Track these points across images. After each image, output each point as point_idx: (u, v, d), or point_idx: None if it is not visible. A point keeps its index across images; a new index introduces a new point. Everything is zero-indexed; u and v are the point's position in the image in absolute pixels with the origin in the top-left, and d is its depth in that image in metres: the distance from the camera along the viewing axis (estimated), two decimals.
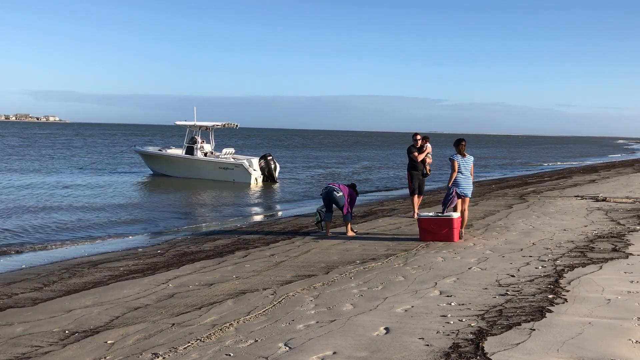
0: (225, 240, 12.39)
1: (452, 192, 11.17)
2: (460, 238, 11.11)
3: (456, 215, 11.05)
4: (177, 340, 5.78)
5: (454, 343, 5.36)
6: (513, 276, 8.04)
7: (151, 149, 32.62)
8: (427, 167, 14.36)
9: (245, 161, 27.78)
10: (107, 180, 28.21)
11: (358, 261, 9.50)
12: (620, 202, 16.47)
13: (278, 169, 28.95)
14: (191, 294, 7.77)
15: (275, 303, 7.06)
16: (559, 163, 52.18)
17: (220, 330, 6.05)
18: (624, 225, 12.37)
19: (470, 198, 11.57)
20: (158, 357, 5.34)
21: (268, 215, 18.91)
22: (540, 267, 8.52)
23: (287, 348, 5.42)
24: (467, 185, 11.28)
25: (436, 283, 7.76)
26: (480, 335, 5.56)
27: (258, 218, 18.14)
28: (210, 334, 5.91)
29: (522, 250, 9.93)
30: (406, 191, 16.71)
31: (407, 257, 9.63)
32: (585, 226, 12.33)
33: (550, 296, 6.90)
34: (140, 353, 5.48)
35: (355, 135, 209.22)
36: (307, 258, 9.98)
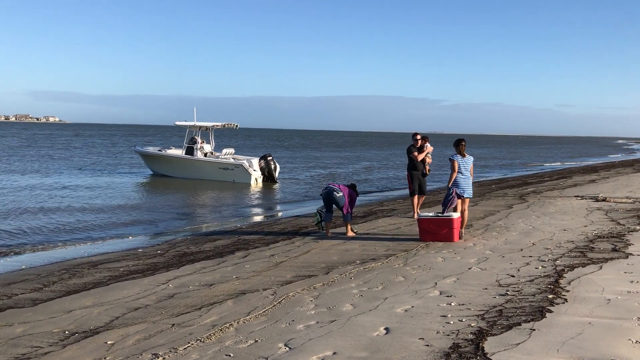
0: (225, 241, 12.39)
1: (452, 192, 11.17)
2: (460, 238, 11.11)
3: (456, 215, 11.05)
4: (177, 341, 5.78)
5: (454, 343, 5.36)
6: (513, 276, 8.04)
7: (151, 149, 32.61)
8: (427, 167, 14.36)
9: (245, 161, 27.79)
10: (107, 181, 28.20)
11: (358, 261, 9.50)
12: (620, 202, 16.47)
13: (278, 169, 28.96)
14: (191, 295, 7.77)
15: (275, 303, 7.06)
16: (559, 163, 52.20)
17: (220, 330, 6.05)
18: (623, 225, 12.37)
19: (470, 198, 11.58)
20: (158, 358, 5.34)
21: (268, 216, 18.91)
22: (540, 267, 8.52)
23: (287, 348, 5.42)
24: (467, 186, 11.29)
25: (436, 283, 7.76)
26: (480, 335, 5.56)
27: (258, 218, 18.14)
28: (210, 335, 5.91)
29: (522, 250, 9.93)
30: (406, 191, 16.71)
31: (407, 258, 9.63)
32: (585, 226, 12.33)
33: (550, 296, 6.90)
34: (141, 353, 5.48)
35: (355, 136, 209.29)
36: (307, 258, 9.98)
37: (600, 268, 8.36)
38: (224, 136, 68.87)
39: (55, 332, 6.33)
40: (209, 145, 30.05)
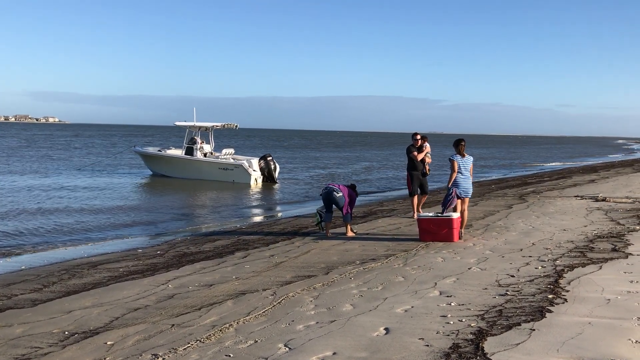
0: (225, 241, 12.38)
1: (452, 192, 11.17)
2: (460, 238, 11.11)
3: (456, 215, 11.05)
4: (177, 341, 5.78)
5: (453, 343, 5.36)
6: (513, 276, 8.04)
7: (151, 149, 32.59)
8: (427, 167, 14.36)
9: (245, 162, 27.78)
10: (107, 181, 28.19)
11: (358, 262, 9.50)
12: (620, 202, 16.47)
13: (278, 169, 28.96)
14: (191, 295, 7.77)
15: (275, 304, 7.06)
16: (558, 163, 52.20)
17: (220, 331, 6.05)
18: (623, 225, 12.37)
19: (469, 198, 11.58)
20: (158, 358, 5.34)
21: (268, 216, 18.91)
22: (540, 267, 8.52)
23: (287, 349, 5.42)
24: (466, 186, 11.29)
25: (436, 283, 7.75)
26: (480, 335, 5.56)
27: (258, 219, 18.14)
28: (210, 335, 5.91)
29: (521, 250, 9.93)
30: (406, 191, 16.71)
31: (406, 258, 9.63)
32: (585, 226, 12.33)
33: (550, 296, 6.90)
34: (140, 354, 5.48)
35: (354, 136, 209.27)
36: (307, 258, 9.98)
37: (600, 268, 8.36)
38: (224, 136, 68.87)
39: (55, 333, 6.33)
40: (209, 145, 30.04)
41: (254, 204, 22.19)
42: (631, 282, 7.54)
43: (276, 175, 28.48)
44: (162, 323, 6.48)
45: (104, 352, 5.62)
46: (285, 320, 6.33)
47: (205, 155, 29.12)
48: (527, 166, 47.75)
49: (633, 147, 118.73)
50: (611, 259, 8.97)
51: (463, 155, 11.34)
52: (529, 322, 5.93)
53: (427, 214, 11.58)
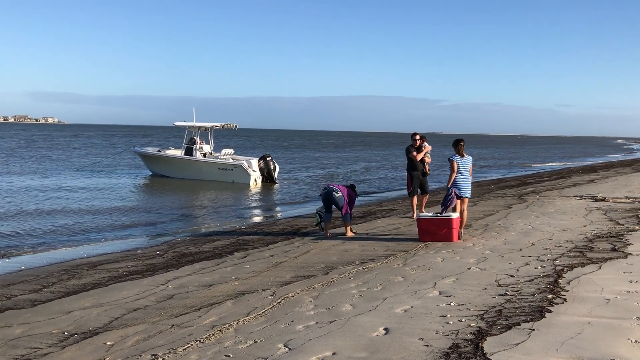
0: (225, 241, 12.38)
1: (452, 192, 11.17)
2: (459, 238, 11.11)
3: (455, 215, 11.05)
4: (176, 342, 5.78)
5: (453, 343, 5.36)
6: (512, 276, 8.04)
7: (150, 149, 32.59)
8: (427, 167, 14.36)
9: (244, 162, 27.78)
10: (106, 182, 28.18)
11: (357, 262, 9.50)
12: (619, 202, 16.48)
13: (277, 169, 28.96)
14: (190, 295, 7.77)
15: (274, 304, 7.06)
16: (558, 163, 52.21)
17: (220, 331, 6.05)
18: (623, 225, 12.38)
19: (469, 198, 11.58)
20: (157, 358, 5.34)
21: (267, 216, 18.90)
22: (539, 267, 8.52)
23: (287, 349, 5.42)
24: (466, 186, 11.29)
25: (435, 283, 7.75)
26: (480, 335, 5.56)
27: (257, 219, 18.14)
28: (209, 335, 5.91)
29: (521, 250, 9.93)
30: (405, 191, 16.70)
31: (406, 258, 9.63)
32: (585, 226, 12.34)
33: (550, 296, 6.90)
34: (140, 354, 5.48)
35: (354, 136, 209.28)
36: (307, 259, 9.98)
37: (600, 268, 8.36)
38: (223, 136, 68.84)
39: (54, 333, 6.33)
40: (208, 145, 30.04)
41: (254, 204, 22.19)
42: (630, 281, 7.54)
43: (276, 175, 28.48)
44: (161, 323, 6.48)
45: (103, 352, 5.62)
46: (284, 321, 6.33)
47: (204, 155, 29.11)
48: (527, 166, 47.75)
49: (633, 147, 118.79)
50: (610, 258, 8.97)
51: (462, 156, 11.34)
52: (528, 322, 5.93)
53: (426, 214, 11.58)
